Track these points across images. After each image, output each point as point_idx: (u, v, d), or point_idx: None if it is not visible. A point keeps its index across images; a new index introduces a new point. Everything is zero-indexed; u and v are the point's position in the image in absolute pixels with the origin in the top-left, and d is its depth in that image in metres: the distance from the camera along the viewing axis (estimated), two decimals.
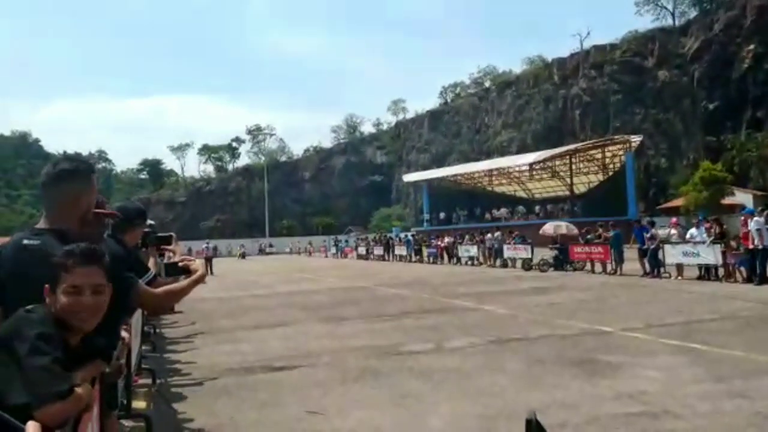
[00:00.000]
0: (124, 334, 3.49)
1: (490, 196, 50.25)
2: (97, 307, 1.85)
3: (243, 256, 52.86)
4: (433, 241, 32.66)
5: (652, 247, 16.71)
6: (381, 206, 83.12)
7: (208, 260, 28.31)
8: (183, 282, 2.57)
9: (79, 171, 2.21)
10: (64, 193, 2.15)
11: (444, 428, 4.53)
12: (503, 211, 45.78)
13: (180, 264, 2.88)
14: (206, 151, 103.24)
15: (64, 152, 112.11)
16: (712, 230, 15.45)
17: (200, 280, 2.62)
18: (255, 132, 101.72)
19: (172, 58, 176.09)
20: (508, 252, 23.80)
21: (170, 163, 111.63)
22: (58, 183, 2.16)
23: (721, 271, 15.06)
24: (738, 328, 8.28)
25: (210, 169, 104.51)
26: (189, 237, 58.28)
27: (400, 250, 34.51)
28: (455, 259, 28.15)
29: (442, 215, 50.45)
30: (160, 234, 3.98)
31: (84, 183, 2.21)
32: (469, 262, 26.82)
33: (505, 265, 23.71)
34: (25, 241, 2.07)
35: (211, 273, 26.94)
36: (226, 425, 4.84)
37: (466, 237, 28.34)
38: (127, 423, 4.63)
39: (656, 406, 4.75)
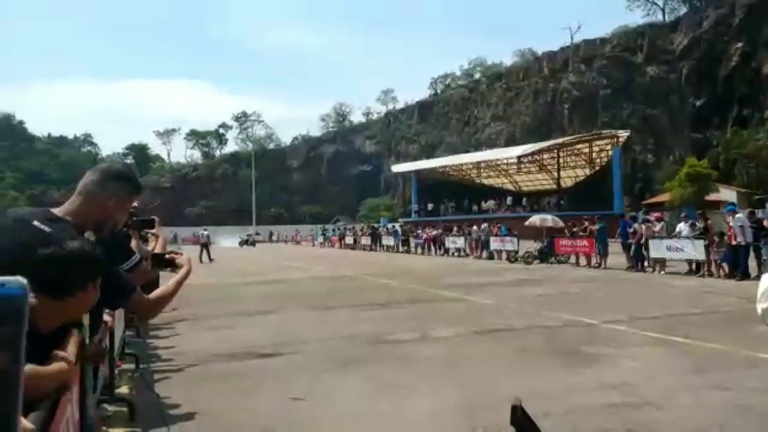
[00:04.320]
0: (106, 317, 3.44)
1: (478, 188, 50.38)
2: None
3: (253, 243, 51.49)
4: (420, 232, 32.71)
5: (636, 241, 16.89)
6: (369, 196, 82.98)
7: (204, 246, 28.68)
8: (170, 284, 2.47)
9: (130, 182, 2.19)
10: (102, 195, 2.09)
11: (428, 416, 4.54)
12: (491, 203, 45.95)
13: (167, 256, 2.80)
14: (193, 136, 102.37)
15: (49, 134, 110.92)
16: (700, 225, 15.64)
17: (186, 277, 2.52)
18: (241, 119, 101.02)
19: (159, 42, 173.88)
20: (494, 244, 23.92)
21: (156, 148, 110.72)
22: (105, 183, 2.10)
23: (704, 267, 15.24)
24: (720, 322, 8.39)
25: (197, 155, 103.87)
26: (175, 223, 57.96)
27: (388, 241, 34.52)
28: (442, 250, 28.27)
29: (430, 206, 50.50)
30: (142, 217, 3.90)
31: (125, 196, 2.17)
32: (456, 254, 26.94)
33: (491, 256, 23.84)
34: (35, 223, 1.95)
35: (210, 259, 27.31)
36: (210, 411, 4.81)
37: (454, 228, 28.45)
38: (110, 407, 4.59)
39: (638, 397, 4.80)
